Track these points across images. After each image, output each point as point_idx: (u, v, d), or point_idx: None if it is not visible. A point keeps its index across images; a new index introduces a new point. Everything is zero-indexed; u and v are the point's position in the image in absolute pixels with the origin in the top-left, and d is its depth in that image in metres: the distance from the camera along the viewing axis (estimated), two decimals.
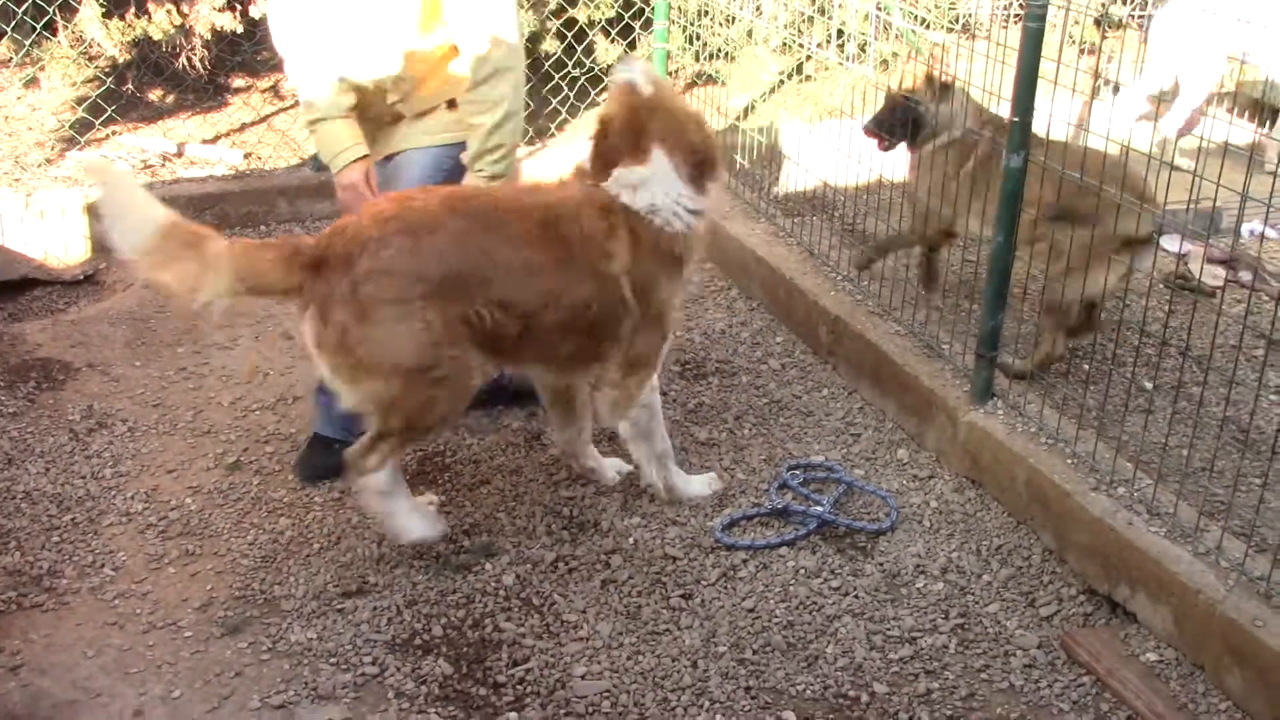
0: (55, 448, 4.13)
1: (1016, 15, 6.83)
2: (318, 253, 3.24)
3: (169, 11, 6.22)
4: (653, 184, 3.46)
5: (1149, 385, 4.35)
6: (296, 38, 3.84)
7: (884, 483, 4.01)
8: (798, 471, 4.03)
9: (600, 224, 3.42)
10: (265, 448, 4.18)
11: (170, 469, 4.06)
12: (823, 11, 6.07)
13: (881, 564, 3.62)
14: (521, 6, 6.59)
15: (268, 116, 6.77)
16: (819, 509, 3.79)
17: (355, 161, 3.85)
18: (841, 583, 3.53)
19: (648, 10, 6.69)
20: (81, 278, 5.37)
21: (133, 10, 6.23)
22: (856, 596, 3.48)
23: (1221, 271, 5.17)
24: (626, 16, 6.85)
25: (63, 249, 5.41)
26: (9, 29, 6.04)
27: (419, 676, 3.16)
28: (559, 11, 6.80)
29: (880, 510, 3.87)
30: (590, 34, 6.91)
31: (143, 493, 3.91)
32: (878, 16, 5.11)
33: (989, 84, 4.25)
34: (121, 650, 3.25)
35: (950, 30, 6.84)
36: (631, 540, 3.70)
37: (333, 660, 3.21)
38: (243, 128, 6.65)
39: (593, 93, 6.83)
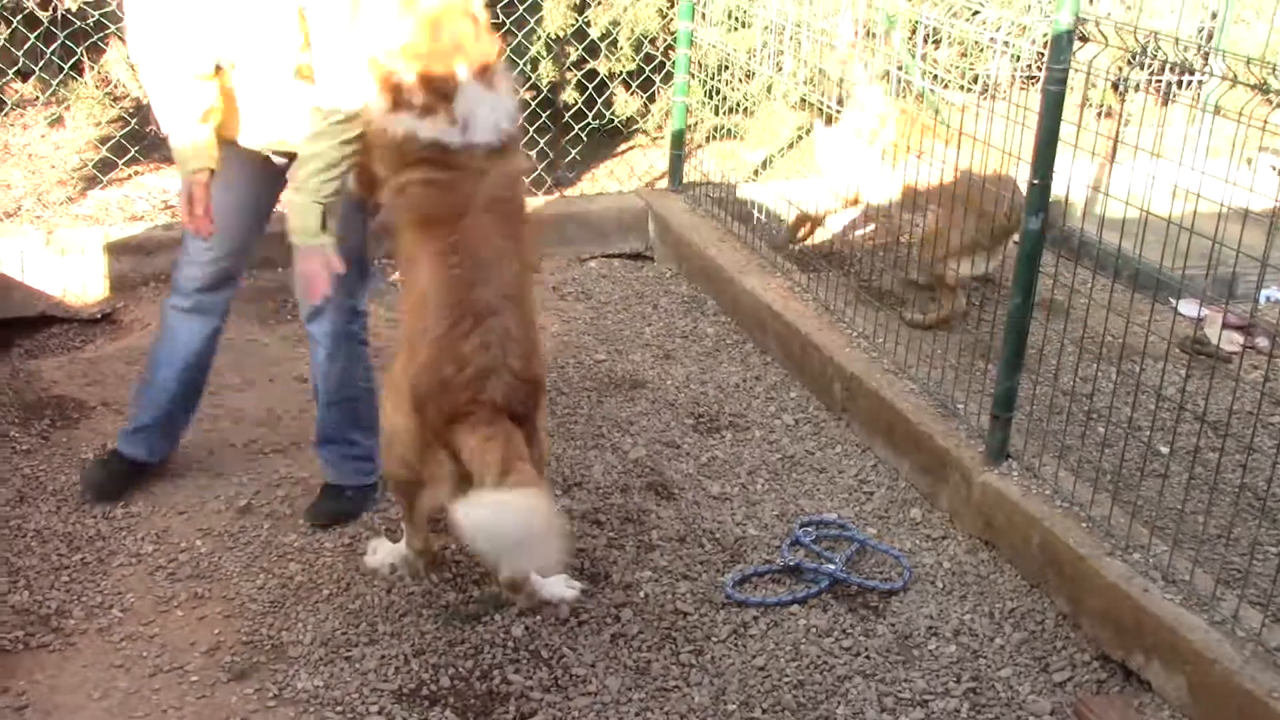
0: (67, 486, 4.12)
1: (1033, 77, 6.88)
2: None
3: None
4: None
5: (1165, 450, 4.33)
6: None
7: (897, 542, 3.99)
8: (810, 529, 4.01)
9: None
10: (277, 491, 4.17)
11: (181, 510, 4.05)
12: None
13: (893, 624, 3.59)
14: (542, 58, 6.66)
15: None
16: (831, 567, 3.77)
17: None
18: (853, 642, 3.50)
19: (668, 64, 6.74)
20: (99, 316, 5.39)
21: None
22: (868, 657, 3.45)
23: (1239, 337, 5.16)
24: (647, 70, 6.89)
25: (81, 287, 5.43)
26: (37, 69, 6.10)
27: None
28: (580, 63, 6.85)
29: (893, 570, 3.85)
30: (610, 86, 6.96)
31: (153, 534, 3.90)
32: (897, 75, 5.14)
33: (1008, 145, 4.26)
34: (127, 693, 3.23)
35: (967, 90, 6.88)
36: (642, 594, 3.67)
37: (339, 709, 3.19)
38: None
39: (612, 144, 6.87)
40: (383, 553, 3.74)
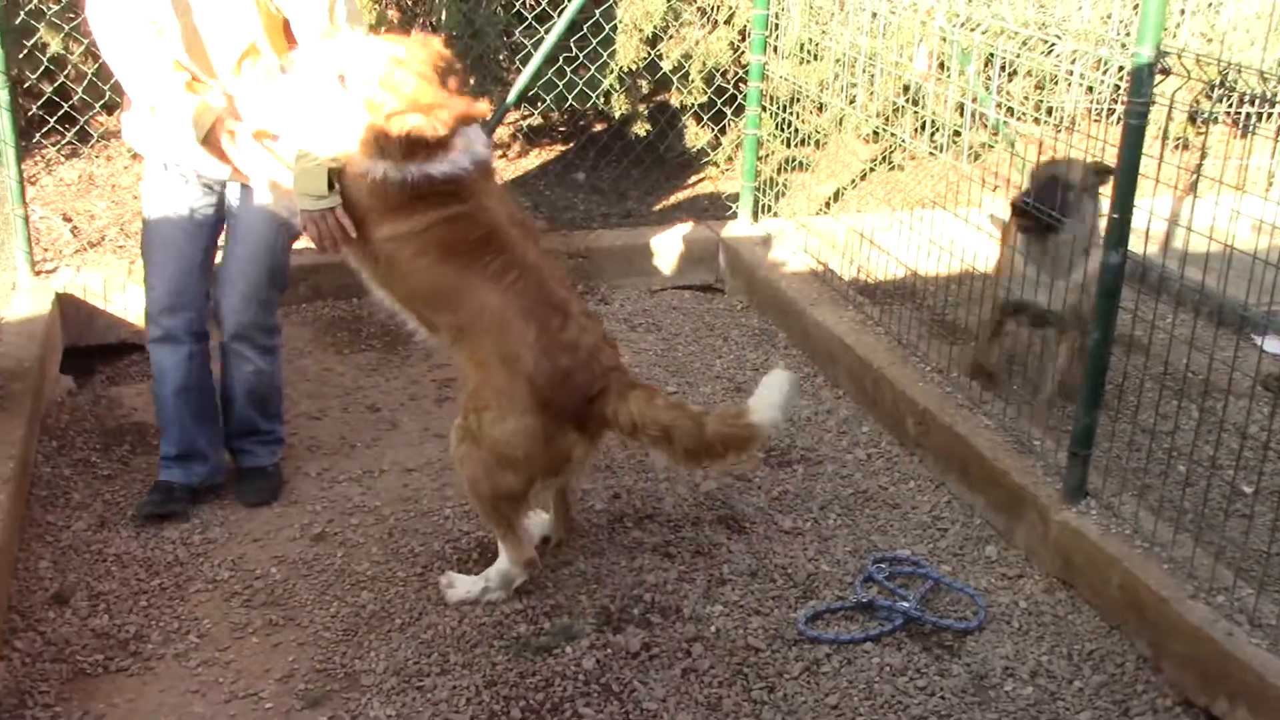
0: (183, 512, 4.17)
1: (1108, 109, 6.81)
2: None
3: None
4: None
5: (1249, 490, 4.23)
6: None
7: (972, 580, 3.93)
8: (883, 565, 3.97)
9: None
10: (350, 520, 4.20)
11: (256, 538, 4.09)
12: (915, 101, 6.09)
13: (969, 664, 3.53)
14: (615, 91, 6.70)
15: None
16: (905, 605, 3.72)
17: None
18: (927, 682, 3.45)
19: (739, 97, 6.75)
20: None
21: None
22: (943, 698, 3.40)
23: None
24: (718, 103, 6.91)
25: None
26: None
27: None
28: (651, 96, 6.89)
29: (968, 608, 3.79)
30: (682, 119, 6.98)
31: (229, 560, 3.94)
32: (971, 108, 5.11)
33: None
34: (203, 719, 3.26)
35: (1041, 123, 6.82)
36: (714, 629, 3.65)
37: None
38: None
39: (683, 176, 6.89)
40: (462, 584, 3.75)
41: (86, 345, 5.37)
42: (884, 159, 7.22)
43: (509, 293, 3.50)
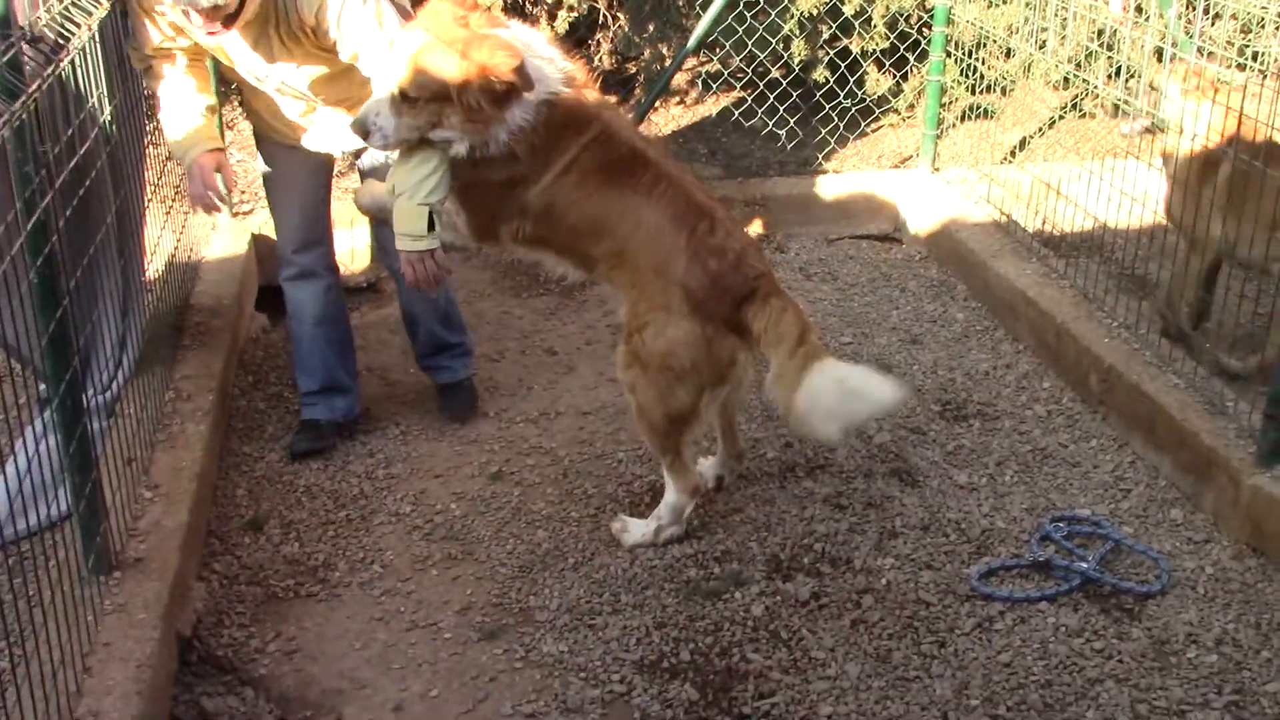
0: (333, 446, 4.35)
1: None
2: None
3: None
4: None
5: None
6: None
7: (1155, 543, 3.81)
8: (1061, 524, 3.88)
9: None
10: (526, 460, 4.30)
11: (437, 474, 4.22)
12: (1108, 47, 5.85)
13: (1149, 629, 3.44)
14: (795, 36, 6.61)
15: None
16: (1083, 565, 3.63)
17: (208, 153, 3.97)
18: (1105, 645, 3.37)
19: (922, 42, 6.60)
20: (364, 285, 5.66)
21: None
22: (1121, 661, 3.32)
23: None
24: (901, 48, 6.76)
25: (349, 257, 5.71)
26: None
27: (665, 700, 3.19)
28: (832, 41, 6.78)
29: (1150, 572, 3.68)
30: (863, 65, 6.85)
31: (411, 495, 4.08)
32: (1170, 52, 4.88)
33: None
34: (386, 645, 3.41)
35: (1243, 69, 6.48)
36: (884, 581, 3.63)
37: (582, 675, 3.28)
38: None
39: (863, 123, 6.78)
40: (636, 527, 3.82)
41: (275, 285, 5.58)
42: (1073, 106, 6.97)
43: (660, 202, 3.54)
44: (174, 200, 4.86)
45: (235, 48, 3.73)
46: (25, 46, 2.72)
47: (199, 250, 5.20)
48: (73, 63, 3.14)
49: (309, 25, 3.66)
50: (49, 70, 2.76)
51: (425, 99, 3.37)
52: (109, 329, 3.84)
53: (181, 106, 3.91)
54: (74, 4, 3.11)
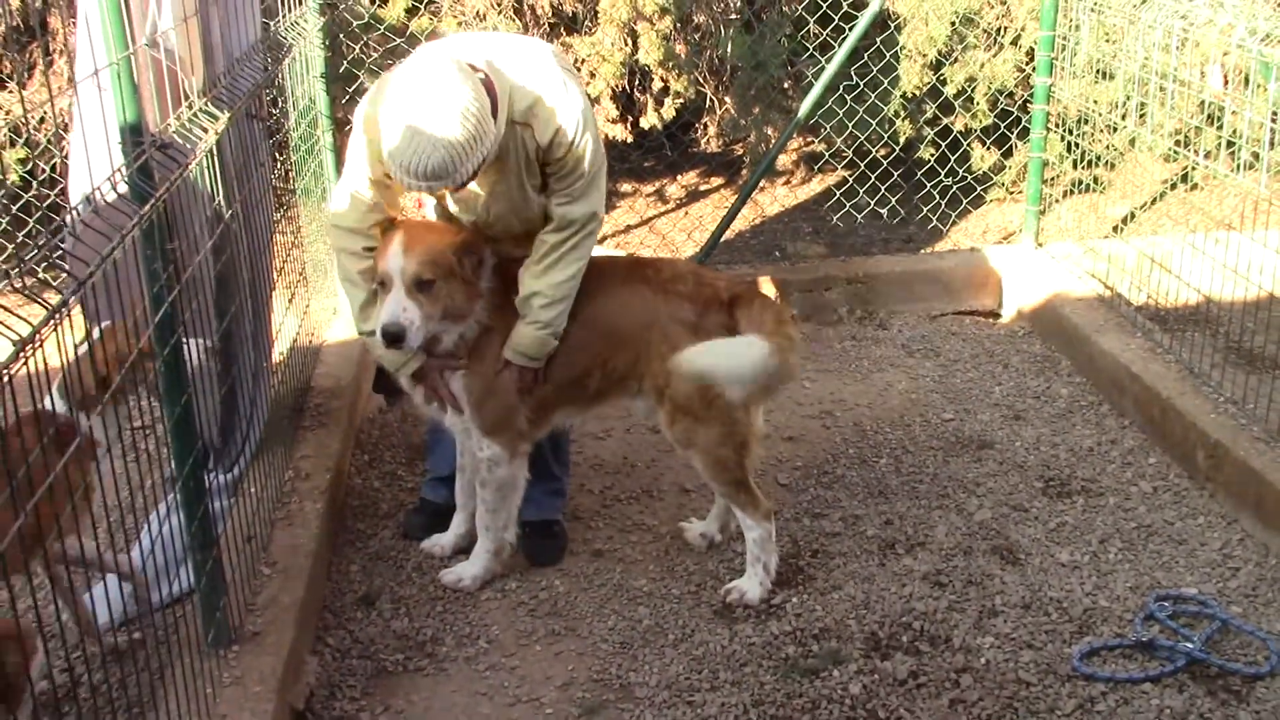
0: (443, 527, 4.49)
1: None
2: None
3: None
4: None
5: None
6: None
7: (1265, 624, 3.74)
8: (1166, 603, 3.83)
9: None
10: (629, 537, 4.39)
11: None
12: (1213, 120, 5.83)
13: (1258, 712, 3.38)
14: (899, 116, 6.70)
15: (649, 219, 7.16)
16: (1189, 645, 3.58)
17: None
18: None
19: (1024, 119, 6.63)
20: None
21: None
22: None
23: None
24: (1002, 126, 6.81)
25: None
26: None
27: None
28: (934, 120, 6.85)
29: (1259, 653, 3.61)
30: (965, 142, 6.91)
31: (517, 571, 4.19)
32: (1271, 129, 4.85)
33: None
34: None
35: None
36: (983, 660, 3.63)
37: None
38: (626, 229, 7.06)
39: (964, 200, 6.81)
40: (748, 584, 3.96)
41: None
42: (1182, 178, 6.92)
43: (602, 283, 3.91)
44: (297, 285, 5.10)
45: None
46: (154, 152, 2.93)
47: (320, 334, 5.43)
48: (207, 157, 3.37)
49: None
50: (176, 175, 2.96)
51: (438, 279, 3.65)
52: (240, 410, 4.04)
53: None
54: (203, 110, 3.33)
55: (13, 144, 6.27)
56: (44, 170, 6.19)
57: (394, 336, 3.60)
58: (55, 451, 2.54)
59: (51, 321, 2.17)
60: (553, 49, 3.79)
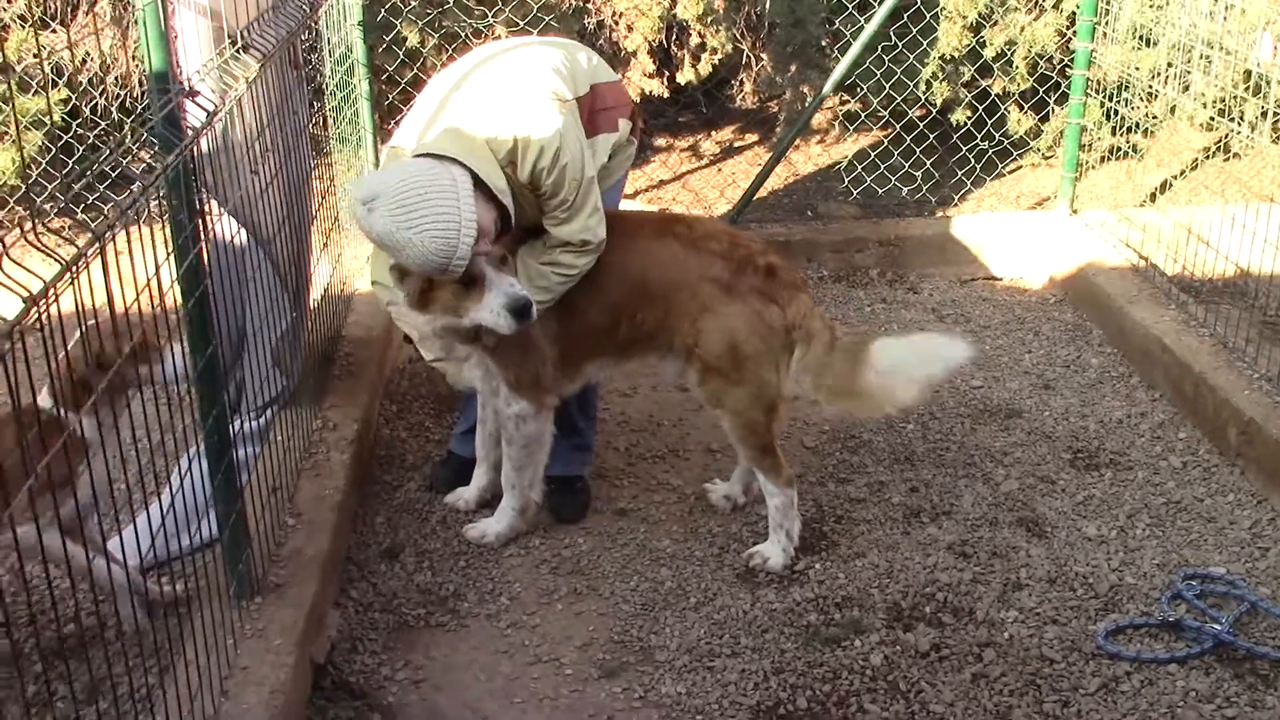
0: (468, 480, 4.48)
1: None
2: None
3: None
4: None
5: None
6: None
7: None
8: (1194, 582, 3.80)
9: None
10: (653, 496, 4.38)
11: None
12: (1257, 90, 5.71)
13: None
14: (936, 78, 6.60)
15: (683, 175, 7.09)
16: (1216, 627, 3.55)
17: None
18: (1238, 713, 3.29)
19: (1063, 84, 6.52)
20: None
21: None
22: None
23: None
24: (1041, 90, 6.70)
25: None
26: None
27: None
28: (971, 83, 6.75)
29: None
30: (1003, 106, 6.81)
31: (541, 528, 4.18)
32: None
33: None
34: (509, 678, 3.50)
35: None
36: (1007, 635, 3.61)
37: (699, 717, 3.33)
38: (660, 184, 7.00)
39: (1000, 165, 6.72)
40: (771, 550, 3.95)
41: None
42: (1221, 147, 6.81)
43: (635, 239, 3.88)
44: (331, 231, 5.05)
45: None
46: (185, 100, 2.89)
47: (353, 283, 5.40)
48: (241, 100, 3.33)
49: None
50: (204, 124, 2.92)
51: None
52: (265, 357, 4.02)
53: None
54: (233, 57, 3.28)
55: (54, 85, 6.23)
56: (85, 111, 6.16)
57: (527, 306, 3.57)
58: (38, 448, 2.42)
59: (68, 275, 2.13)
60: (558, 58, 3.77)
